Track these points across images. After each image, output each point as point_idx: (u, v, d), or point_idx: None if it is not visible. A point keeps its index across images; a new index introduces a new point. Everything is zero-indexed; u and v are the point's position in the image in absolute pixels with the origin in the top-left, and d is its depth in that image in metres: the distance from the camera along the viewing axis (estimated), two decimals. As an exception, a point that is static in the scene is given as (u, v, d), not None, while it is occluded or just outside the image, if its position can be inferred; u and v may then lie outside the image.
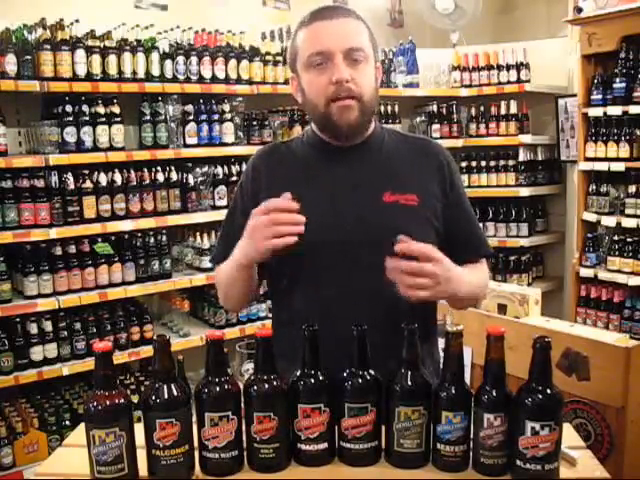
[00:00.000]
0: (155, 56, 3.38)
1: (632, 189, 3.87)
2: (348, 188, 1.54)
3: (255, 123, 3.86)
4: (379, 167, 1.57)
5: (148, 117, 3.48)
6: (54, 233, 3.11)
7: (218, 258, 1.67)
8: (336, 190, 1.54)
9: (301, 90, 1.56)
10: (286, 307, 1.62)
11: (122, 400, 1.22)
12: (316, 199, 1.52)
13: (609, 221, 3.94)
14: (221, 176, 3.70)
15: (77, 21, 3.21)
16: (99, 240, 3.34)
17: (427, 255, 1.33)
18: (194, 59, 3.51)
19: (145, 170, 3.45)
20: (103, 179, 3.29)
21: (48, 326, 3.17)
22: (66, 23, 3.18)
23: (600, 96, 3.90)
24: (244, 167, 4.09)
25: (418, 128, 4.70)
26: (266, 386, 1.25)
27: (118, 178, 3.33)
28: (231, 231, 1.64)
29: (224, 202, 3.69)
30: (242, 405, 1.27)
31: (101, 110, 3.26)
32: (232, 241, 1.59)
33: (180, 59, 3.47)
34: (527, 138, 4.49)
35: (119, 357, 3.31)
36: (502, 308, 2.81)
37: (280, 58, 3.79)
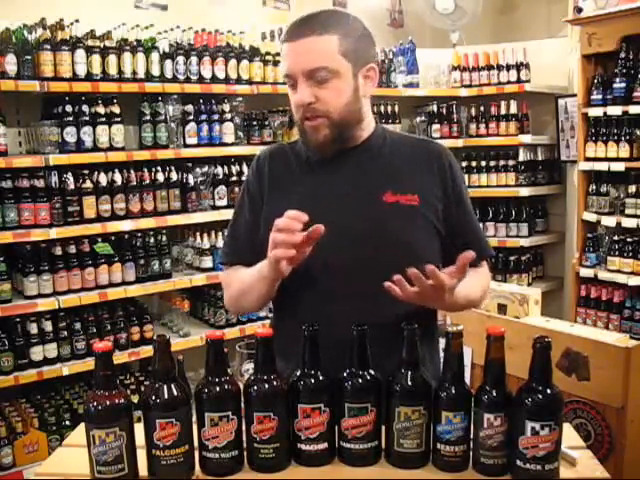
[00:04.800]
0: (155, 56, 3.38)
1: (632, 189, 3.87)
2: (349, 189, 1.55)
3: (255, 123, 3.86)
4: (380, 168, 1.58)
5: (148, 117, 3.48)
6: (54, 233, 3.11)
7: (227, 259, 1.68)
8: (337, 191, 1.55)
9: None
10: (286, 305, 1.62)
11: (122, 400, 1.22)
12: (317, 200, 1.53)
13: (609, 221, 3.94)
14: (221, 176, 3.70)
15: (77, 21, 3.21)
16: (99, 240, 3.33)
17: (440, 281, 1.34)
18: (194, 59, 3.51)
19: (145, 170, 3.45)
20: (103, 179, 3.28)
21: (48, 326, 3.16)
22: (66, 23, 3.18)
23: (600, 96, 3.90)
24: (244, 167, 4.11)
25: (418, 128, 4.70)
26: (266, 386, 1.25)
27: (118, 178, 3.33)
28: (237, 230, 1.65)
29: (224, 202, 3.69)
30: (242, 405, 1.27)
31: (101, 110, 3.26)
32: (239, 240, 1.59)
33: (180, 59, 3.47)
34: (527, 138, 4.49)
35: (119, 357, 3.31)
36: (502, 308, 2.82)
37: (280, 58, 3.78)
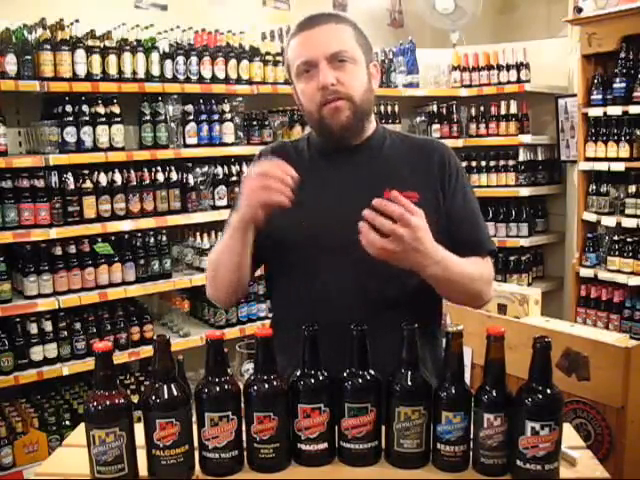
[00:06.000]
0: (155, 56, 3.38)
1: (632, 189, 3.87)
2: (349, 187, 1.56)
3: (255, 123, 3.86)
4: (380, 166, 1.59)
5: (148, 117, 3.48)
6: (54, 233, 3.11)
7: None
8: (337, 189, 1.56)
9: (297, 99, 1.61)
10: (285, 303, 1.63)
11: (122, 400, 1.22)
12: (317, 198, 1.55)
13: (609, 221, 3.94)
14: (221, 176, 3.70)
15: (77, 21, 3.21)
16: (99, 240, 3.33)
17: (404, 219, 1.30)
18: (194, 59, 3.51)
19: (145, 170, 3.45)
20: (103, 179, 3.29)
21: (48, 326, 3.16)
22: (66, 23, 3.18)
23: (600, 96, 3.90)
24: (244, 167, 4.10)
25: (418, 128, 4.70)
26: (266, 386, 1.25)
27: (118, 178, 3.33)
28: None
29: (224, 202, 3.69)
30: (242, 405, 1.27)
31: (101, 110, 3.26)
32: None
33: (180, 59, 3.47)
34: (527, 138, 4.49)
35: (119, 357, 3.31)
36: (502, 308, 2.82)
37: (280, 58, 3.78)
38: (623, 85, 3.77)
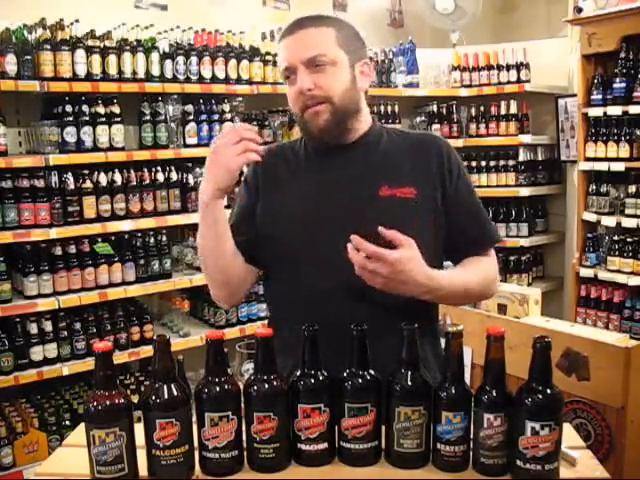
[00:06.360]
0: (155, 56, 3.38)
1: (632, 189, 3.87)
2: (345, 184, 1.56)
3: (255, 123, 3.85)
4: (376, 163, 1.59)
5: (148, 117, 3.48)
6: (54, 233, 3.11)
7: None
8: (333, 186, 1.56)
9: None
10: (282, 301, 1.63)
11: (122, 400, 1.22)
12: (314, 195, 1.56)
13: (609, 221, 3.94)
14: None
15: (77, 21, 3.21)
16: (99, 240, 3.33)
17: (378, 256, 1.34)
18: (194, 59, 3.51)
19: (145, 170, 3.45)
20: (103, 179, 3.28)
21: (48, 326, 3.16)
22: (66, 23, 3.18)
23: (600, 96, 3.90)
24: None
25: (418, 128, 4.70)
26: (266, 386, 1.25)
27: (118, 178, 3.33)
28: (231, 218, 1.66)
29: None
30: (242, 405, 1.27)
31: (101, 110, 3.26)
32: (232, 225, 1.59)
33: (180, 59, 3.47)
34: (527, 138, 4.49)
35: (119, 357, 3.31)
36: (502, 308, 2.82)
37: (277, 57, 3.78)
38: (623, 85, 3.77)
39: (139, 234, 3.46)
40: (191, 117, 3.58)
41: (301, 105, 1.53)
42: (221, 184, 1.49)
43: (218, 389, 1.23)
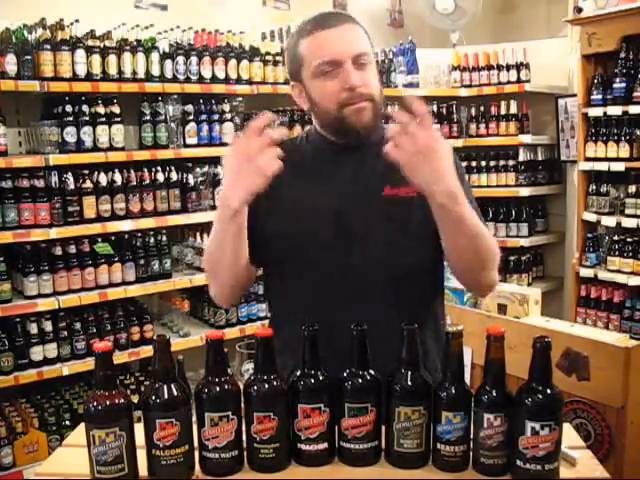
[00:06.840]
0: (155, 56, 3.38)
1: (632, 189, 3.87)
2: (349, 184, 1.56)
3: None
4: (379, 164, 1.58)
5: (148, 117, 3.48)
6: (54, 233, 3.11)
7: None
8: (338, 186, 1.56)
9: (308, 98, 1.57)
10: (283, 301, 1.63)
11: (122, 400, 1.22)
12: (316, 195, 1.56)
13: (609, 221, 3.94)
14: (221, 176, 3.70)
15: (77, 21, 3.21)
16: (99, 240, 3.33)
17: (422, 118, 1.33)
18: (194, 59, 3.51)
19: (145, 170, 3.45)
20: (103, 179, 3.29)
21: (48, 326, 3.16)
22: (66, 23, 3.18)
23: (600, 96, 3.90)
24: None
25: (418, 128, 4.70)
26: (266, 386, 1.25)
27: (118, 178, 3.33)
28: None
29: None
30: (242, 405, 1.27)
31: (101, 110, 3.26)
32: None
33: (180, 59, 3.47)
34: (527, 138, 4.49)
35: (119, 357, 3.31)
36: (502, 308, 2.82)
37: (280, 58, 3.78)
38: (623, 85, 3.77)
39: (139, 234, 3.46)
40: (191, 117, 3.58)
41: (342, 101, 1.50)
42: (255, 190, 1.40)
43: (218, 389, 1.23)
